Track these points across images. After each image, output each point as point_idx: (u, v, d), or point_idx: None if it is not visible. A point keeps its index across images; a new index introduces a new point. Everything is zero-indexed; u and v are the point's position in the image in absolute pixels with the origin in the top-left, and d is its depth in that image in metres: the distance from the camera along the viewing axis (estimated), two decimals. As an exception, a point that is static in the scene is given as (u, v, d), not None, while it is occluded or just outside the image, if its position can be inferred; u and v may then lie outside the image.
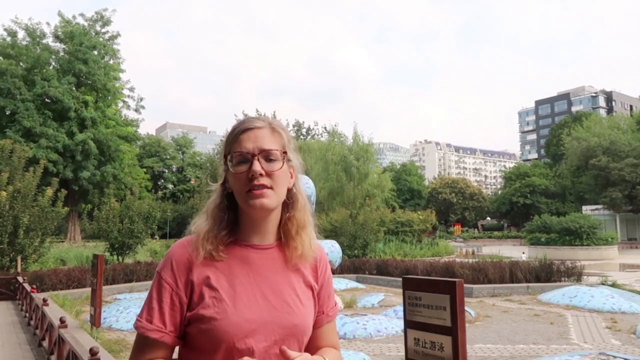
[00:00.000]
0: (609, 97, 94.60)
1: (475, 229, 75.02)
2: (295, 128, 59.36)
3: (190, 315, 1.14)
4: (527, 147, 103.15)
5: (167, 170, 66.21)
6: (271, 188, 1.15)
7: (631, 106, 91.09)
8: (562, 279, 14.67)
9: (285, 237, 1.25)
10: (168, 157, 66.24)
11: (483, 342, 8.21)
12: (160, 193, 42.50)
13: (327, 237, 22.70)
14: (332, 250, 12.12)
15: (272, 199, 1.16)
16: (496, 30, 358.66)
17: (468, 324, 9.05)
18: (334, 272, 16.65)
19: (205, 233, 1.18)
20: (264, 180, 1.14)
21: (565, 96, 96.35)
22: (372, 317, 9.54)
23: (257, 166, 1.13)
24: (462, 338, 3.64)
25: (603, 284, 13.87)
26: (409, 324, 3.96)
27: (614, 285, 13.92)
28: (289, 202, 1.24)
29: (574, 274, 14.79)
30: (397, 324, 9.26)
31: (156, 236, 42.23)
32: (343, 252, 20.33)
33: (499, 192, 76.86)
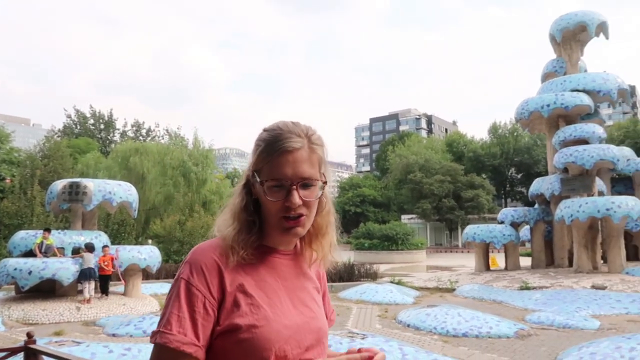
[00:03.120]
0: (429, 120, 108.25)
1: (312, 235, 79.05)
2: (134, 128, 56.62)
3: (224, 325, 1.06)
4: (362, 160, 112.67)
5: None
6: (306, 215, 1.12)
7: (446, 129, 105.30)
8: (361, 279, 17.09)
9: (305, 242, 1.23)
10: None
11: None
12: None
13: (160, 243, 22.69)
14: (150, 255, 12.56)
15: (306, 227, 1.14)
16: (340, 49, 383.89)
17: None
18: (151, 277, 16.87)
19: (235, 237, 1.12)
20: (301, 210, 1.10)
21: (394, 116, 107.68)
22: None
23: (295, 198, 1.08)
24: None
25: (391, 282, 16.57)
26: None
27: (399, 283, 16.72)
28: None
29: (370, 275, 17.34)
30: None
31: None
32: (170, 258, 20.64)
33: (335, 200, 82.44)
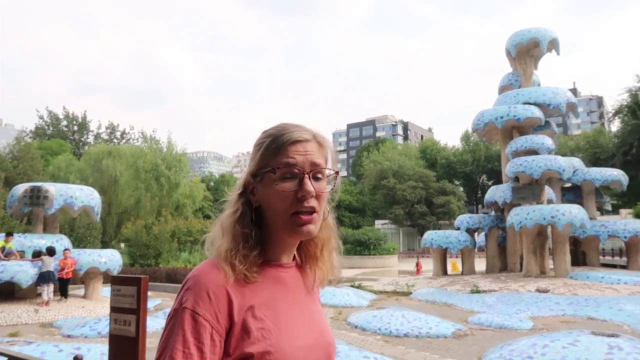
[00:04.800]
0: (405, 126, 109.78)
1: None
2: (109, 131, 56.25)
3: (236, 355, 0.99)
4: (339, 166, 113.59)
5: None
6: (317, 212, 1.05)
7: (422, 136, 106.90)
8: (323, 282, 17.54)
9: (307, 257, 1.18)
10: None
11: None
12: None
13: (129, 247, 22.85)
14: (111, 259, 12.85)
15: (317, 225, 1.07)
16: (318, 54, 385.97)
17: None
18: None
19: (226, 252, 1.04)
20: (313, 203, 1.03)
21: (371, 122, 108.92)
22: (136, 318, 10.66)
23: (309, 186, 1.02)
24: (143, 317, 5.28)
25: (352, 286, 17.12)
26: (112, 309, 5.46)
27: (359, 287, 17.28)
28: None
29: (332, 280, 17.81)
30: (158, 323, 10.54)
31: None
32: (136, 262, 20.86)
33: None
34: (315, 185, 1.04)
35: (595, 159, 35.04)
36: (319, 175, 1.06)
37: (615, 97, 37.89)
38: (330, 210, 1.18)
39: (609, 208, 57.64)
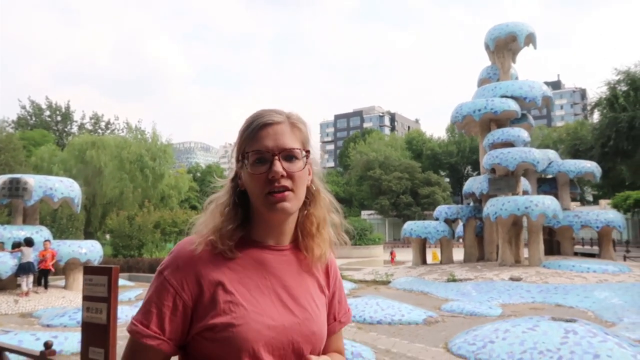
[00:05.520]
0: (393, 117, 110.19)
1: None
2: (93, 121, 55.75)
3: (201, 324, 1.04)
4: (326, 156, 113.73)
5: None
6: (292, 190, 1.09)
7: (409, 127, 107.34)
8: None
9: (303, 236, 1.19)
10: None
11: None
12: None
13: (114, 238, 22.90)
14: (91, 250, 12.99)
15: (293, 202, 1.10)
16: (306, 45, 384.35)
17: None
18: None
19: (202, 225, 1.12)
20: (285, 182, 1.07)
21: (358, 113, 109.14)
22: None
23: (278, 167, 1.07)
24: (114, 305, 5.50)
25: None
26: (85, 297, 5.67)
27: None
28: (307, 199, 1.17)
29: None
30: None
31: None
32: (119, 253, 20.97)
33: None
34: (287, 165, 1.09)
35: (574, 151, 35.66)
36: (292, 155, 1.10)
37: (594, 90, 38.48)
38: (328, 190, 1.23)
39: (590, 199, 58.70)
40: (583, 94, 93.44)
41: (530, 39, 19.22)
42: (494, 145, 17.76)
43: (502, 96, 18.37)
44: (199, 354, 1.06)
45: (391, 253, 27.99)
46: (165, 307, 1.04)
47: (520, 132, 17.45)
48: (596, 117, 34.85)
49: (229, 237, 1.10)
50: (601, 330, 7.49)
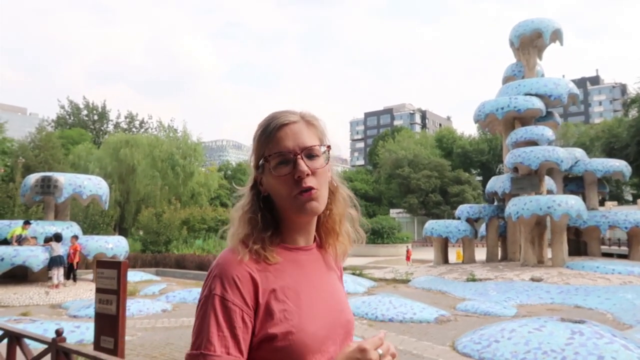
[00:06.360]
0: (423, 115, 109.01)
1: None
2: (128, 120, 57.54)
3: (260, 335, 1.04)
4: (356, 154, 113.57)
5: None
6: (317, 189, 1.09)
7: (440, 124, 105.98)
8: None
9: (327, 234, 1.22)
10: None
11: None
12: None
13: (147, 234, 23.69)
14: (117, 245, 13.57)
15: (321, 201, 1.10)
16: (335, 41, 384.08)
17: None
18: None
19: (237, 235, 1.11)
20: (311, 181, 1.08)
21: (389, 111, 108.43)
22: (137, 301, 11.34)
23: (303, 166, 1.07)
24: (123, 297, 5.85)
25: (353, 274, 17.59)
26: (97, 290, 6.05)
27: (360, 274, 17.75)
28: (328, 198, 1.17)
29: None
30: (159, 306, 11.19)
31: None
32: (147, 248, 21.69)
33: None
34: (310, 163, 1.08)
35: (610, 149, 34.57)
36: (313, 154, 1.10)
37: (632, 86, 37.10)
38: (345, 184, 1.24)
39: (630, 198, 56.66)
40: (623, 89, 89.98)
41: (557, 36, 18.83)
42: (517, 144, 17.51)
43: (527, 94, 18.07)
44: None
45: (407, 251, 27.86)
46: (238, 329, 1.02)
47: (544, 131, 17.14)
48: (634, 114, 33.69)
49: (269, 243, 1.10)
50: (609, 331, 7.41)
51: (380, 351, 0.97)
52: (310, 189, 1.07)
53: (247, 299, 1.04)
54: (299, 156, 1.07)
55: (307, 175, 1.07)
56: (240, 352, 1.01)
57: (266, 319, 1.04)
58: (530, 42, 19.15)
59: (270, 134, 1.10)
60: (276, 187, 1.09)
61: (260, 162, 1.12)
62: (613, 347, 6.80)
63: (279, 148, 1.08)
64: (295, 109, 1.16)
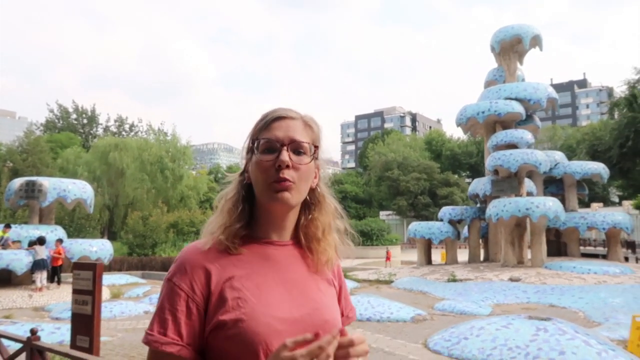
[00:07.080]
0: (414, 118, 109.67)
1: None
2: (117, 123, 57.40)
3: (212, 323, 1.03)
4: (347, 157, 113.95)
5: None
6: (294, 182, 1.09)
7: (430, 127, 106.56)
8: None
9: (308, 240, 1.20)
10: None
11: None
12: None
13: (134, 237, 23.77)
14: (102, 248, 13.71)
15: (294, 195, 1.10)
16: (328, 46, 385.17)
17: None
18: (113, 268, 18.04)
19: (210, 225, 1.13)
20: (289, 174, 1.08)
21: (379, 114, 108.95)
22: (120, 303, 11.51)
23: (285, 156, 1.08)
24: (98, 297, 6.05)
25: (338, 275, 17.80)
26: (73, 291, 6.24)
27: (345, 276, 17.93)
28: (312, 204, 1.19)
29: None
30: (141, 307, 11.36)
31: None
32: (134, 252, 21.79)
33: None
34: (294, 157, 1.10)
35: (593, 152, 35.09)
36: (300, 150, 1.11)
37: (617, 89, 37.75)
38: (334, 196, 1.24)
39: (616, 199, 57.32)
40: (610, 92, 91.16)
41: (536, 41, 19.24)
42: (498, 147, 17.87)
43: (507, 98, 18.45)
44: (216, 354, 1.04)
45: (387, 252, 28.21)
46: (180, 312, 1.03)
47: (523, 134, 17.52)
48: (617, 117, 34.27)
49: (234, 235, 1.11)
50: (573, 328, 7.70)
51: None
52: (285, 179, 1.08)
53: (196, 286, 1.05)
54: (285, 147, 1.09)
55: (287, 167, 1.08)
56: (179, 334, 1.02)
57: (219, 306, 1.04)
58: (510, 48, 19.56)
59: (267, 122, 1.13)
60: (256, 172, 1.11)
61: (250, 144, 1.16)
62: (574, 342, 7.09)
63: (269, 135, 1.11)
64: (299, 110, 1.19)
